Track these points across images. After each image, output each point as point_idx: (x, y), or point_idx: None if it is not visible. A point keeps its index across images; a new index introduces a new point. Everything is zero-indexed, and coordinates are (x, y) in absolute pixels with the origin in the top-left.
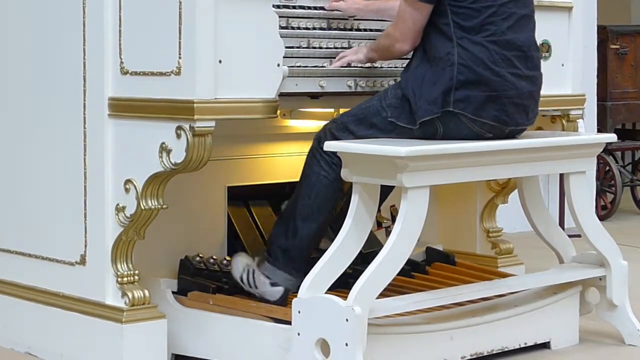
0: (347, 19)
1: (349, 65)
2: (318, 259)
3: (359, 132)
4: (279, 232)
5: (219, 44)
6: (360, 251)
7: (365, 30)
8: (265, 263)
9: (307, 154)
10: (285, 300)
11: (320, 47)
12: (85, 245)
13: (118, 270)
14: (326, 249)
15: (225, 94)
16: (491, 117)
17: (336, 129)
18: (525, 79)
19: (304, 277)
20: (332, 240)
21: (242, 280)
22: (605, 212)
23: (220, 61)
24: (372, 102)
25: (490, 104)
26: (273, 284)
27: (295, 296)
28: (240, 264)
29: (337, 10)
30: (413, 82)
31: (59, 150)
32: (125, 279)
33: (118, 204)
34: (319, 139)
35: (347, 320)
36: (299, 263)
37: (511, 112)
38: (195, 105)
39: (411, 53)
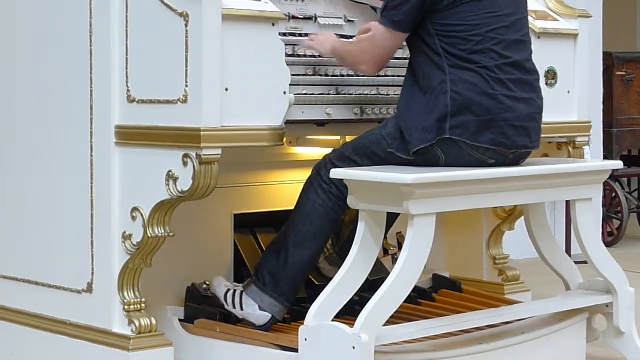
0: None
1: (310, 49)
2: (324, 287)
3: (361, 162)
4: (269, 257)
5: (226, 72)
6: (367, 278)
7: None
8: (252, 286)
9: (304, 183)
10: (270, 328)
11: (327, 75)
12: (92, 273)
13: (125, 298)
14: (333, 277)
15: (232, 121)
16: (488, 141)
17: (337, 159)
18: (523, 101)
19: (290, 307)
20: (338, 268)
21: (226, 299)
22: (611, 238)
23: (226, 89)
24: (372, 132)
25: (487, 128)
26: (261, 309)
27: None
28: (223, 283)
29: (311, 50)
30: (408, 113)
31: (66, 178)
32: (132, 306)
33: (125, 232)
34: (318, 168)
35: (353, 347)
36: (287, 291)
37: (510, 134)
38: (201, 133)
39: (404, 82)
